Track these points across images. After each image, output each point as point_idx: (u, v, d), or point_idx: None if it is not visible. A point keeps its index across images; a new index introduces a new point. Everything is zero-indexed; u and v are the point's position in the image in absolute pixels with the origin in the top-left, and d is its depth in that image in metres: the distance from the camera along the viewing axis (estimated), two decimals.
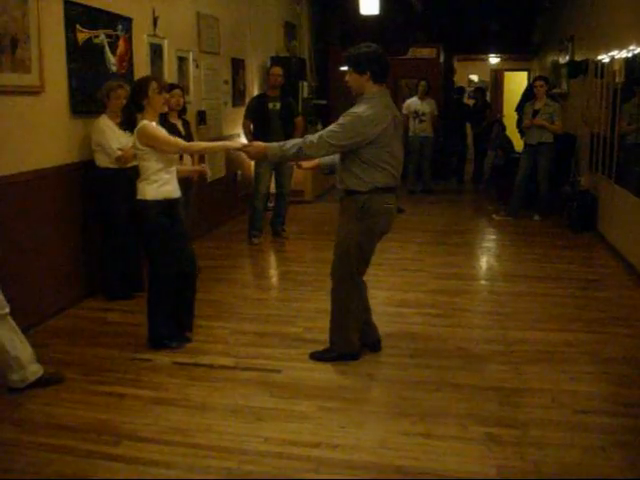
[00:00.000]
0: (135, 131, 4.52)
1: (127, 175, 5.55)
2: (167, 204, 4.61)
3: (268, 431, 3.60)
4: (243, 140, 8.30)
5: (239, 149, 4.65)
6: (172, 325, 4.75)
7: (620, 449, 3.42)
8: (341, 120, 4.19)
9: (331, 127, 4.20)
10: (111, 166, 5.50)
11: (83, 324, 5.24)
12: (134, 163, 5.62)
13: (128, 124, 4.74)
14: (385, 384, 4.21)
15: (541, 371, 4.36)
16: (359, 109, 4.18)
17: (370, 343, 4.65)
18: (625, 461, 3.32)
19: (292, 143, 4.28)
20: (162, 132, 4.57)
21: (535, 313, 5.47)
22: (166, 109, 4.72)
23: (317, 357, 4.54)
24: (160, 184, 4.56)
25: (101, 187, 5.58)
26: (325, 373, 4.35)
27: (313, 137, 4.22)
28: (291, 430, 3.61)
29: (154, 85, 4.49)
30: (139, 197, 4.58)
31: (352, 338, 4.50)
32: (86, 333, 5.05)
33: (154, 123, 4.53)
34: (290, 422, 3.70)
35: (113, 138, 5.47)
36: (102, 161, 5.51)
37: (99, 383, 4.19)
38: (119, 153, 5.45)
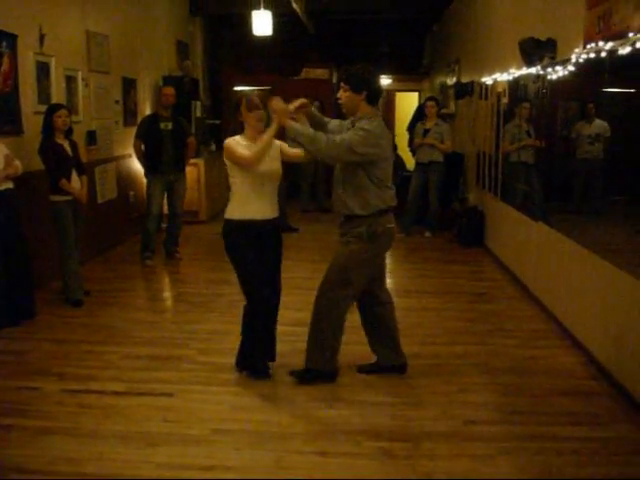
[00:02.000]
0: None
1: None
2: (250, 225, 4.36)
3: (161, 456, 3.54)
4: (135, 160, 8.24)
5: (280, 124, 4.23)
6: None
7: (507, 456, 3.55)
8: (358, 132, 4.13)
9: (351, 134, 4.13)
10: None
11: None
12: (7, 185, 5.44)
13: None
14: (279, 404, 4.22)
15: (432, 384, 4.48)
16: (367, 126, 4.16)
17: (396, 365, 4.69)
18: (513, 467, 3.45)
19: (317, 133, 4.19)
20: (239, 147, 4.29)
21: (426, 327, 5.62)
22: (262, 127, 4.34)
23: (296, 376, 4.50)
24: (243, 203, 4.35)
25: None
26: (219, 395, 4.32)
27: (336, 137, 4.14)
28: (184, 454, 3.57)
29: (244, 102, 4.31)
30: (226, 216, 4.43)
31: (329, 357, 4.48)
32: None
33: (239, 139, 4.35)
34: (183, 446, 3.65)
35: None
36: None
37: None
38: None
